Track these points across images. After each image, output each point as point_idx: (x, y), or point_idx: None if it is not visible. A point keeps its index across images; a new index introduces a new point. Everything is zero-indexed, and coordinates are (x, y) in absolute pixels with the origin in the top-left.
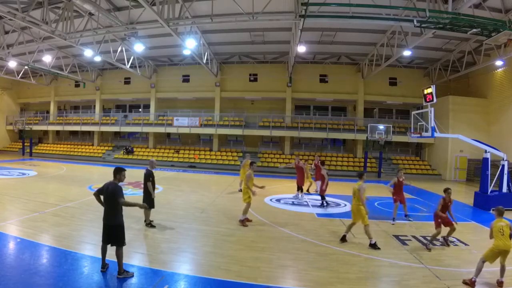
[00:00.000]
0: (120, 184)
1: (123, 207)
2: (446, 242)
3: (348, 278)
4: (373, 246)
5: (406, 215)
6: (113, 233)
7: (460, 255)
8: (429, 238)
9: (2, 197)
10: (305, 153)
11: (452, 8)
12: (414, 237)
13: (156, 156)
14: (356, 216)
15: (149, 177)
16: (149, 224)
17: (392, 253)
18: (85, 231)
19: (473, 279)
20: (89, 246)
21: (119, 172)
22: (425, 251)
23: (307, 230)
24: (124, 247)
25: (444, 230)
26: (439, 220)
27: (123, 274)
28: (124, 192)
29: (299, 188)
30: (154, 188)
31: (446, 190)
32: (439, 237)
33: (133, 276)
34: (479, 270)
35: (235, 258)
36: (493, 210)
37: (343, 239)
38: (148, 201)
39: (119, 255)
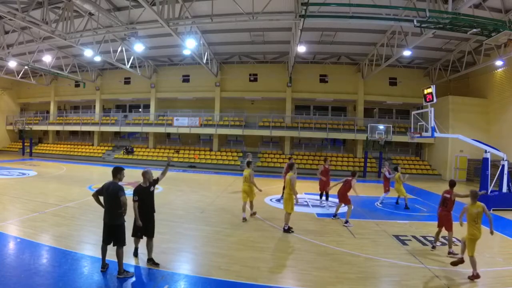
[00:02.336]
0: (120, 183)
1: (126, 207)
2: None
3: (348, 278)
4: (287, 230)
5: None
6: (114, 233)
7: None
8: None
9: (2, 197)
10: (305, 153)
11: (452, 8)
12: (414, 237)
13: (156, 156)
14: (285, 204)
15: (134, 194)
16: (151, 260)
17: (392, 253)
18: (85, 231)
19: (474, 273)
20: (89, 246)
21: (119, 172)
22: (425, 251)
23: (307, 230)
24: (124, 247)
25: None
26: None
27: (123, 274)
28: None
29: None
30: (148, 211)
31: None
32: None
33: (133, 276)
34: (474, 263)
35: (235, 258)
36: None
37: (288, 230)
38: (135, 225)
39: (119, 255)
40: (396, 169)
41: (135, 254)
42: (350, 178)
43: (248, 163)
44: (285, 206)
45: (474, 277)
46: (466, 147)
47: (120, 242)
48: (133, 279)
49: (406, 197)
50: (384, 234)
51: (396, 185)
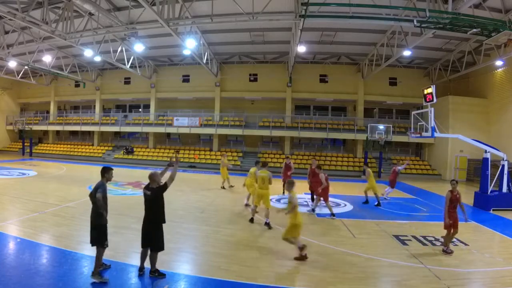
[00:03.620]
0: (111, 183)
1: (103, 206)
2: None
3: (348, 278)
4: (267, 224)
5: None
6: (93, 233)
7: (460, 255)
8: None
9: (2, 197)
10: (305, 153)
11: (452, 8)
12: (414, 237)
13: (156, 156)
14: (260, 199)
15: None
16: (156, 271)
17: (392, 253)
18: (85, 231)
19: (303, 254)
20: (89, 246)
21: (107, 172)
22: (425, 251)
23: (307, 230)
24: (124, 247)
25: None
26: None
27: (96, 276)
28: (124, 192)
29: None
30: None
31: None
32: (439, 237)
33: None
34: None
35: (235, 258)
36: (287, 182)
37: (269, 224)
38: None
39: (96, 254)
40: (367, 165)
41: (158, 274)
42: (318, 171)
43: (258, 163)
44: (266, 203)
45: (302, 256)
46: (466, 147)
47: (98, 243)
48: (133, 279)
49: (378, 196)
50: (384, 234)
51: (370, 182)
